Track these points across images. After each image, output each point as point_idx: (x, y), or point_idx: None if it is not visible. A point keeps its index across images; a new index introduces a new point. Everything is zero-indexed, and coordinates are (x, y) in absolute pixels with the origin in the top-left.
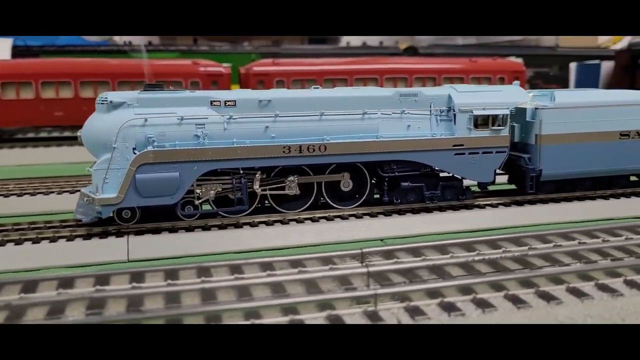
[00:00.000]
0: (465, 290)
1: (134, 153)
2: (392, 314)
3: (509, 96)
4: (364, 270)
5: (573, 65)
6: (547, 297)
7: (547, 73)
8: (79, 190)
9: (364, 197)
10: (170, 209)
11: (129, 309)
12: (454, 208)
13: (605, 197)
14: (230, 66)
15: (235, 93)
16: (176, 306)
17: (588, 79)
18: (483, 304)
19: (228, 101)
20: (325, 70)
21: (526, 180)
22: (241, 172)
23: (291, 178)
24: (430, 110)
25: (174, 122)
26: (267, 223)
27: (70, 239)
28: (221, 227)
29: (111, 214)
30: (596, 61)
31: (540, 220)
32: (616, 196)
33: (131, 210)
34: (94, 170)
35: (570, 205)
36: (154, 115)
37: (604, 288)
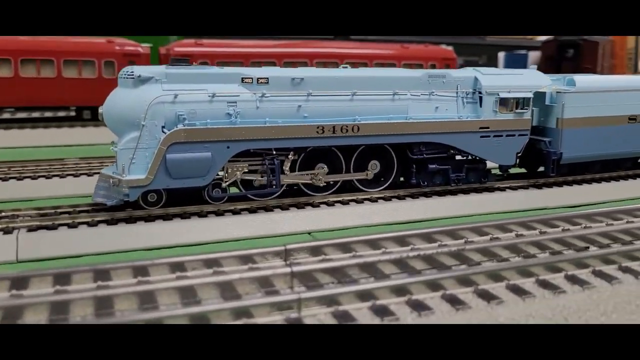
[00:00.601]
0: (400, 291)
1: (163, 132)
2: (319, 320)
3: (531, 79)
4: (287, 270)
5: (501, 55)
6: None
7: (476, 62)
8: (61, 175)
9: (391, 180)
10: (194, 192)
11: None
12: (477, 190)
13: (615, 179)
14: (150, 46)
15: (267, 70)
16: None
17: (515, 67)
18: (419, 306)
19: (260, 78)
20: (252, 52)
21: (547, 164)
22: (274, 152)
23: (320, 169)
24: (457, 92)
25: (205, 100)
26: (282, 207)
27: (91, 224)
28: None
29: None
30: (523, 51)
31: (565, 202)
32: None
33: (157, 194)
34: (119, 149)
35: (586, 187)
36: (184, 91)
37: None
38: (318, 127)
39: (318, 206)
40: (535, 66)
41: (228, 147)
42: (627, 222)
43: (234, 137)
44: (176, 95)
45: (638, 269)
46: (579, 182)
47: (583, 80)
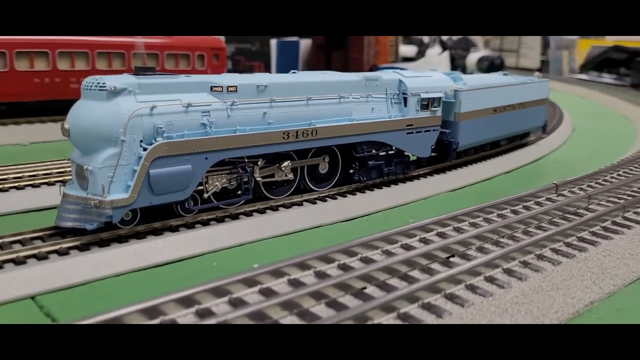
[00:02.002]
0: None
1: (141, 146)
2: None
3: (439, 81)
4: None
5: (274, 42)
6: None
7: (249, 49)
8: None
9: (337, 178)
10: (163, 207)
11: None
12: (403, 180)
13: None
14: None
15: (234, 78)
16: None
17: (288, 56)
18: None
19: (230, 87)
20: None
21: (449, 152)
22: (246, 160)
23: (286, 163)
24: (387, 94)
25: (181, 110)
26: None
27: (62, 252)
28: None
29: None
30: (294, 38)
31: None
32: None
33: (132, 212)
34: (97, 168)
35: (475, 166)
36: (160, 103)
37: None
38: (284, 133)
39: (277, 209)
40: (436, 69)
41: (206, 158)
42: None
43: (212, 148)
44: (153, 107)
45: None
46: (465, 164)
47: (470, 79)
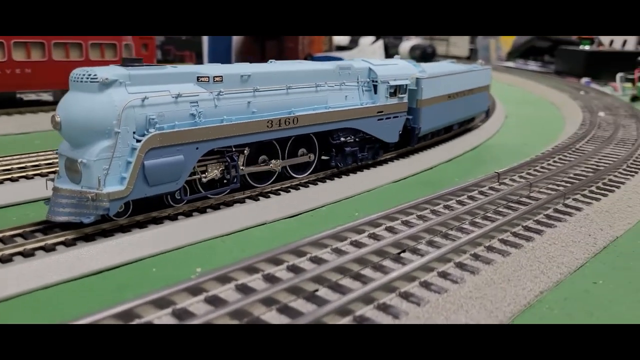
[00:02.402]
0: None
1: (134, 138)
2: None
3: (404, 69)
4: None
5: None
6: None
7: (179, 38)
8: None
9: (314, 165)
10: (150, 198)
11: None
12: (374, 165)
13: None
14: None
15: (219, 68)
16: None
17: (221, 46)
18: None
19: (216, 77)
20: None
21: (412, 137)
22: (233, 149)
23: (274, 161)
24: (358, 82)
25: (171, 101)
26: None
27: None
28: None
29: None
30: None
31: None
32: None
33: (125, 203)
34: (93, 160)
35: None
36: (151, 94)
37: None
38: (268, 122)
39: (268, 196)
40: (399, 55)
41: (197, 148)
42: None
43: (202, 138)
44: (145, 98)
45: None
46: (409, 153)
47: (428, 67)
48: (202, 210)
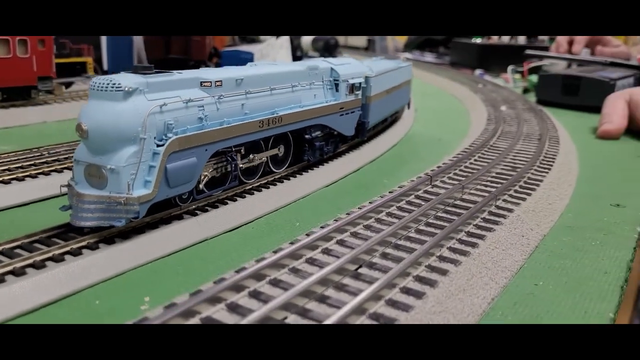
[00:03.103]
0: None
1: (155, 143)
2: None
3: (357, 68)
4: None
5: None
6: None
7: None
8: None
9: (290, 160)
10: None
11: None
12: (335, 157)
13: None
14: None
15: (218, 72)
16: None
17: (121, 40)
18: None
19: (217, 81)
20: None
21: (362, 130)
22: (233, 149)
23: (258, 155)
24: (323, 81)
25: (183, 106)
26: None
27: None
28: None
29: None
30: None
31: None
32: None
33: None
34: (122, 166)
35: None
36: (167, 100)
37: None
38: (260, 122)
39: (253, 193)
40: (347, 55)
41: (206, 150)
42: None
43: (211, 140)
44: (163, 105)
45: None
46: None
47: (372, 65)
48: (140, 231)
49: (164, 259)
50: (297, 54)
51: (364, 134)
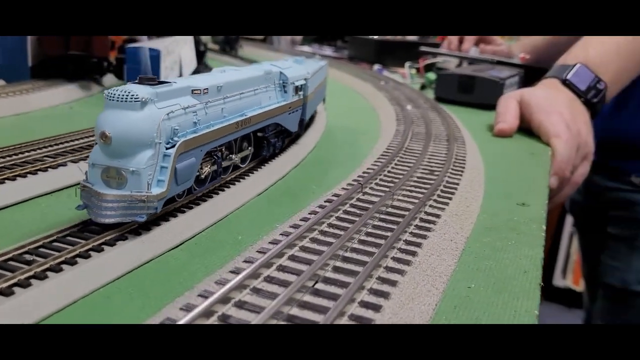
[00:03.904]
0: None
1: (164, 147)
2: None
3: (300, 70)
4: None
5: None
6: None
7: None
8: None
9: (251, 155)
10: None
11: None
12: (284, 150)
13: None
14: None
15: (204, 80)
16: None
17: (12, 40)
18: None
19: (204, 89)
20: None
21: (301, 125)
22: (217, 149)
23: (234, 156)
24: (275, 84)
25: (183, 113)
26: None
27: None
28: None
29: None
30: None
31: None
32: None
33: None
34: (142, 168)
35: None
36: (171, 108)
37: None
38: (236, 123)
39: (88, 256)
40: (293, 58)
41: (201, 150)
42: None
43: (205, 141)
44: (170, 112)
45: None
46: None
47: (308, 67)
48: (71, 262)
49: (108, 285)
50: (201, 49)
51: (302, 129)
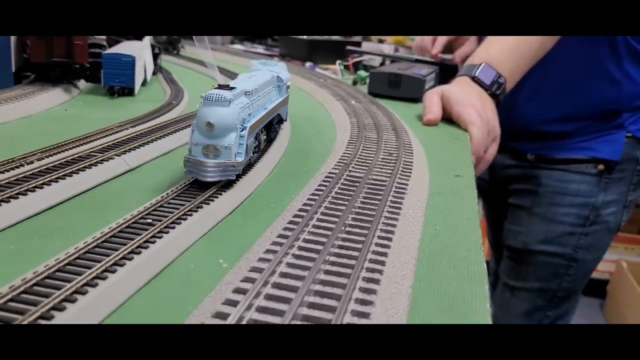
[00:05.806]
0: None
1: (240, 130)
2: None
3: (284, 73)
4: None
5: None
6: None
7: None
8: None
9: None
10: None
11: None
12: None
13: None
14: None
15: (248, 85)
16: None
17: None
18: None
19: (251, 91)
20: None
21: (286, 117)
22: (259, 131)
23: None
24: (275, 85)
25: (245, 107)
26: None
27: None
28: None
29: None
30: None
31: None
32: None
33: None
34: (232, 144)
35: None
36: (241, 105)
37: None
38: (267, 113)
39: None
40: (277, 59)
41: (255, 132)
42: None
43: (257, 126)
44: (241, 107)
45: None
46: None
47: (283, 68)
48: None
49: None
50: (156, 52)
51: (286, 119)
